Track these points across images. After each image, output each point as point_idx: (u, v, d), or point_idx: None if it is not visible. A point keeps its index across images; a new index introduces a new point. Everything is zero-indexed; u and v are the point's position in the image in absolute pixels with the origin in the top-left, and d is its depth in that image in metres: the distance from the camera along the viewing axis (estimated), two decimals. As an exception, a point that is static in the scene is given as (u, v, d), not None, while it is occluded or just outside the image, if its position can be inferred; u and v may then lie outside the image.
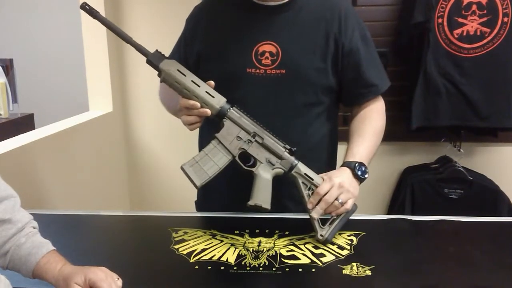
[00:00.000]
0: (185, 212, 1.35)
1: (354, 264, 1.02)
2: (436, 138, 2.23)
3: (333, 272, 1.01)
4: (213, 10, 1.32)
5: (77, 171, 2.08)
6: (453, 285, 0.96)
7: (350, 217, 1.17)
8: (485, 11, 1.96)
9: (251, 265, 1.03)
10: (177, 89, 1.13)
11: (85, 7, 1.11)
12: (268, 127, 1.16)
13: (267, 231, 1.18)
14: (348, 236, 1.16)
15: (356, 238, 1.15)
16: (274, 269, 1.01)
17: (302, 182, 1.15)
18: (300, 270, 1.01)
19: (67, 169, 1.99)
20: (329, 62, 1.25)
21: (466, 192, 2.12)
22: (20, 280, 0.92)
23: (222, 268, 1.02)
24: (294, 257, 1.06)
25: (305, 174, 1.15)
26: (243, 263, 1.04)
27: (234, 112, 1.14)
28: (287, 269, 1.01)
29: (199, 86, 1.13)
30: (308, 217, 1.14)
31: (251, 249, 1.10)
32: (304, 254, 1.07)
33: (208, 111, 1.12)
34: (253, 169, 1.15)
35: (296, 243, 1.13)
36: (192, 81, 1.13)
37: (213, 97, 1.13)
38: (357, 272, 0.99)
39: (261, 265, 1.03)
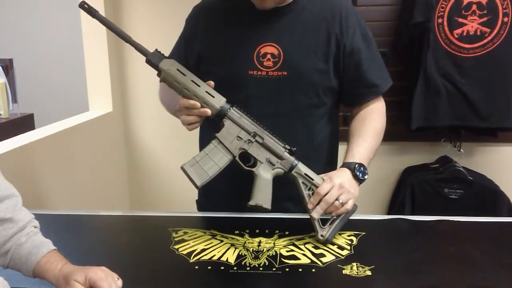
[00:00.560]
0: (185, 212, 1.35)
1: (354, 264, 1.02)
2: (436, 138, 2.23)
3: (333, 272, 1.01)
4: (212, 11, 1.32)
5: (77, 171, 2.08)
6: (453, 285, 0.96)
7: (350, 217, 1.17)
8: (485, 11, 1.96)
9: (251, 265, 1.03)
10: (177, 89, 1.13)
11: (84, 6, 1.10)
12: (271, 128, 1.16)
13: (267, 231, 1.18)
14: (348, 236, 1.16)
15: (356, 238, 1.15)
16: (274, 269, 1.01)
17: (302, 182, 1.15)
18: (300, 270, 1.01)
19: (67, 169, 1.99)
20: (331, 63, 1.25)
21: (466, 192, 2.12)
22: (20, 280, 0.92)
23: (222, 268, 1.02)
24: (294, 257, 1.06)
25: (305, 174, 1.15)
26: (243, 263, 1.04)
27: (234, 112, 1.14)
28: (287, 269, 1.01)
29: (199, 86, 1.12)
30: (308, 217, 1.14)
31: (251, 249, 1.10)
32: (304, 254, 1.07)
33: (208, 111, 1.12)
34: (253, 169, 1.15)
35: (296, 243, 1.13)
36: (192, 80, 1.12)
37: (213, 97, 1.13)
38: (357, 272, 0.99)
39: (261, 265, 1.03)
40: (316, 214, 1.12)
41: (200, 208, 1.44)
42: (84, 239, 1.20)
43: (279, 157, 1.15)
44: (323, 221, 1.13)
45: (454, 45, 2.00)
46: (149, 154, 2.51)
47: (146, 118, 2.47)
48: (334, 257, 1.06)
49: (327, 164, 1.33)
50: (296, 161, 1.15)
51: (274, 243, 1.13)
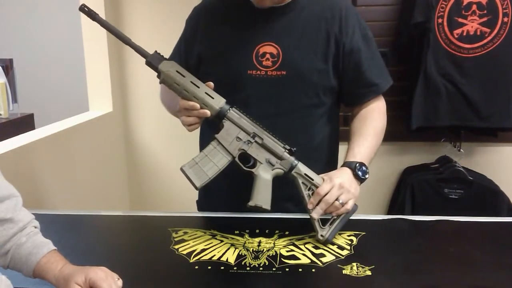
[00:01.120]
0: (185, 212, 1.35)
1: (354, 264, 1.02)
2: (436, 138, 2.23)
3: (333, 272, 1.01)
4: (212, 11, 1.32)
5: (77, 171, 2.08)
6: (453, 285, 0.96)
7: (350, 217, 1.17)
8: (485, 11, 1.96)
9: (251, 265, 1.03)
10: (176, 90, 1.13)
11: (84, 9, 1.11)
12: (270, 128, 1.16)
13: (267, 231, 1.18)
14: (348, 236, 1.16)
15: (356, 238, 1.15)
16: (274, 269, 1.01)
17: (302, 183, 1.15)
18: (300, 270, 1.01)
19: (67, 169, 1.99)
20: (330, 63, 1.25)
21: (466, 192, 2.12)
22: (21, 280, 0.92)
23: (222, 268, 1.02)
24: (294, 257, 1.06)
25: (305, 174, 1.15)
26: (243, 263, 1.04)
27: (233, 113, 1.14)
28: (287, 269, 1.01)
29: (198, 87, 1.13)
30: (308, 217, 1.14)
31: (251, 249, 1.10)
32: (304, 254, 1.07)
33: (208, 112, 1.12)
34: (253, 170, 1.15)
35: (296, 243, 1.13)
36: (191, 82, 1.12)
37: (212, 98, 1.13)
38: (357, 272, 0.99)
39: (261, 265, 1.03)
40: (316, 214, 1.12)
41: (200, 209, 1.44)
42: (84, 239, 1.20)
43: (279, 157, 1.15)
44: (323, 221, 1.13)
45: (454, 45, 2.00)
46: (149, 154, 2.51)
47: (146, 118, 2.47)
48: (334, 257, 1.06)
49: (327, 164, 1.33)
50: (296, 161, 1.15)
51: (274, 243, 1.13)
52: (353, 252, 1.09)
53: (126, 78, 2.43)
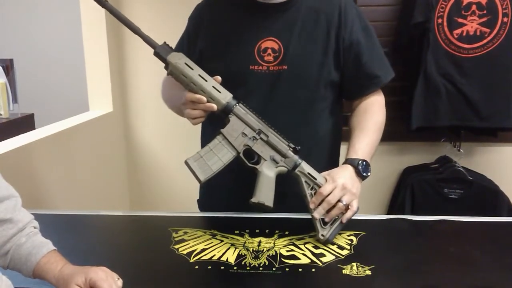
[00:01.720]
0: (185, 212, 1.35)
1: (354, 264, 1.02)
2: (436, 138, 2.23)
3: (333, 272, 1.01)
4: (214, 9, 1.33)
5: (77, 171, 2.08)
6: (453, 285, 0.96)
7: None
8: (485, 11, 1.96)
9: (251, 265, 1.03)
10: (183, 82, 1.13)
11: None
12: (272, 123, 1.16)
13: (267, 231, 1.18)
14: (348, 236, 1.16)
15: (356, 238, 1.15)
16: (274, 269, 1.01)
17: (305, 181, 1.15)
18: (300, 270, 1.01)
19: (67, 169, 1.99)
20: (331, 57, 1.25)
21: (466, 192, 2.12)
22: (21, 280, 0.92)
23: (222, 268, 1.02)
24: (294, 257, 1.06)
25: (308, 173, 1.15)
26: (243, 263, 1.04)
27: (240, 108, 1.14)
28: (287, 269, 1.01)
29: (206, 81, 1.12)
30: (308, 217, 1.14)
31: (251, 249, 1.10)
32: (304, 254, 1.07)
33: (214, 106, 1.12)
34: (256, 166, 1.15)
35: (296, 243, 1.13)
36: (199, 75, 1.12)
37: (219, 92, 1.13)
38: (357, 272, 0.99)
39: (261, 265, 1.03)
40: (317, 214, 1.12)
41: (201, 207, 1.44)
42: (84, 239, 1.20)
43: (283, 155, 1.15)
44: (324, 221, 1.13)
45: (454, 45, 2.00)
46: (149, 154, 2.52)
47: (146, 118, 2.47)
48: (334, 257, 1.06)
49: (329, 159, 1.33)
50: (300, 160, 1.15)
51: (274, 243, 1.13)
52: (353, 252, 1.09)
53: (126, 78, 2.43)
